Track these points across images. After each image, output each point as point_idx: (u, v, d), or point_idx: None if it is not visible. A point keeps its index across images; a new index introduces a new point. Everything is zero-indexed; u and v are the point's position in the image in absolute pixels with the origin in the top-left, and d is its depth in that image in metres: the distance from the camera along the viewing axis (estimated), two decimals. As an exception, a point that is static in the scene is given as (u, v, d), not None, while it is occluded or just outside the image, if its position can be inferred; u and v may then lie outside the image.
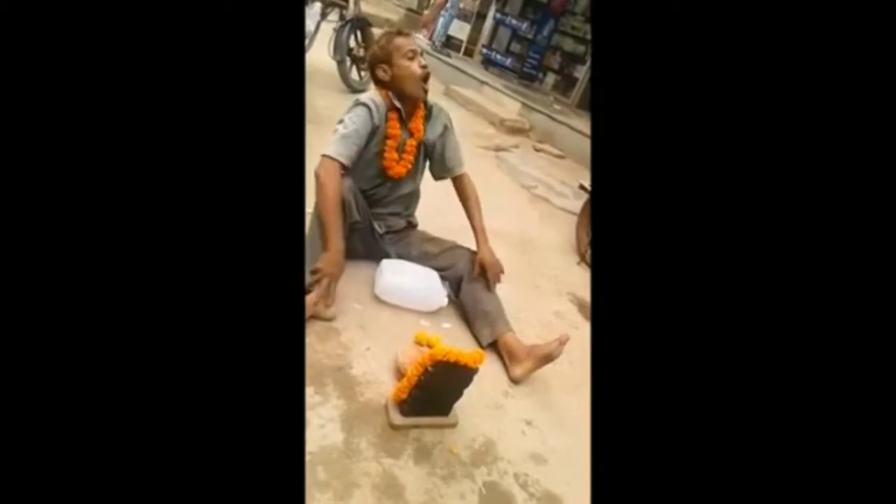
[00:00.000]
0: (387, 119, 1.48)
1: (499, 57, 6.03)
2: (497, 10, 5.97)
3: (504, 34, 6.21)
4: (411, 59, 1.46)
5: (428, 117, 1.58)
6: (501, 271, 1.57)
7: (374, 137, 1.46)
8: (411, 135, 1.53)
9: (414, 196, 1.68)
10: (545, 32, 5.83)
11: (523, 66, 5.96)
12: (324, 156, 1.37)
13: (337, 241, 1.32)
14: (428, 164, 1.66)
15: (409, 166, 1.56)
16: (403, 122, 1.51)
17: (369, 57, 1.52)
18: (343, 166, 1.38)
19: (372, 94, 1.47)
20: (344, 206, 1.39)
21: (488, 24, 6.08)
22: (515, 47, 6.27)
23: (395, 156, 1.52)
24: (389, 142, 1.50)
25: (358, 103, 1.44)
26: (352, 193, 1.43)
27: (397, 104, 1.48)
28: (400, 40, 1.47)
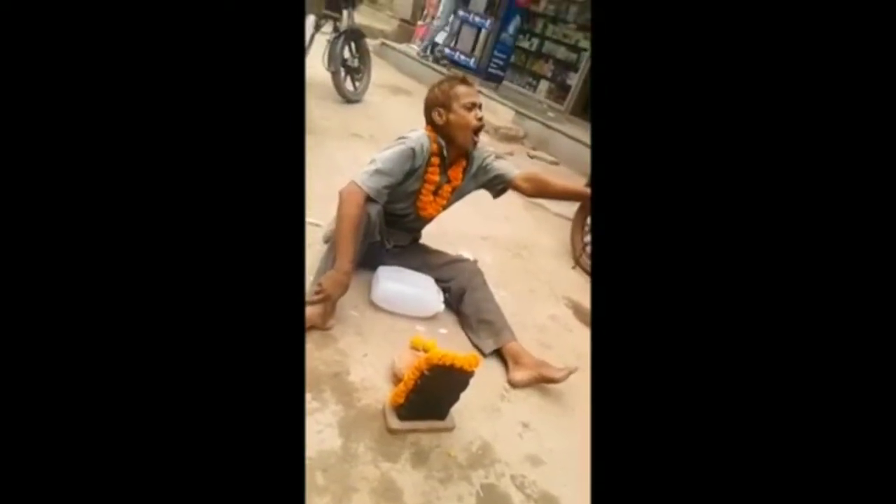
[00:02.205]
0: (428, 163, 1.48)
1: (462, 57, 5.62)
2: (459, 7, 5.53)
3: (468, 34, 5.70)
4: (469, 109, 1.45)
5: (468, 167, 1.58)
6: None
7: (410, 177, 1.47)
8: (448, 181, 1.55)
9: (428, 222, 1.71)
10: (511, 30, 5.46)
11: (488, 65, 5.53)
12: (353, 182, 1.38)
13: (345, 264, 1.33)
14: (481, 190, 1.65)
15: (440, 209, 1.59)
16: (444, 169, 1.52)
17: (427, 98, 1.50)
18: (369, 198, 1.38)
19: (421, 137, 1.45)
20: (368, 228, 1.42)
21: (439, 19, 5.54)
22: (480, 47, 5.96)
23: (431, 198, 1.55)
24: (427, 185, 1.51)
25: (405, 143, 1.42)
26: (379, 217, 1.45)
27: (444, 153, 1.49)
28: (462, 88, 1.46)
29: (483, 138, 1.52)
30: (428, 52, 5.61)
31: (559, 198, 1.62)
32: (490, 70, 5.57)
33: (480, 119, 1.47)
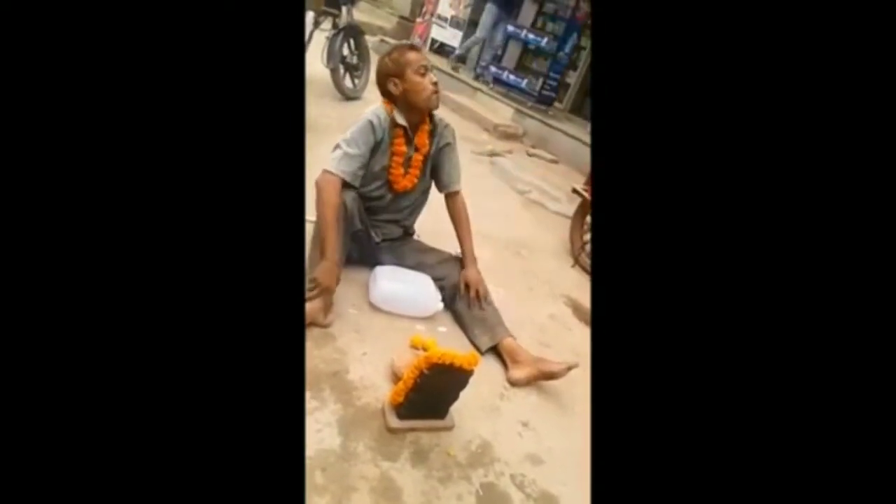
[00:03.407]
0: (392, 136, 1.49)
1: (512, 78, 5.03)
2: (509, 23, 5.03)
3: (514, 49, 5.18)
4: (423, 74, 1.46)
5: (433, 132, 1.58)
6: (486, 292, 1.56)
7: (376, 152, 1.48)
8: (417, 150, 1.55)
9: (416, 207, 1.69)
10: (567, 48, 4.95)
11: (542, 87, 4.88)
12: (325, 171, 1.39)
13: (333, 254, 1.33)
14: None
15: (415, 181, 1.58)
16: (409, 138, 1.52)
17: (379, 69, 1.50)
18: (345, 182, 1.40)
19: (377, 110, 1.48)
20: (347, 216, 1.42)
21: (495, 37, 5.08)
22: (527, 63, 5.48)
23: (401, 171, 1.55)
24: (395, 158, 1.52)
25: (362, 119, 1.45)
26: (356, 204, 1.46)
27: (401, 122, 1.49)
28: (412, 55, 1.47)
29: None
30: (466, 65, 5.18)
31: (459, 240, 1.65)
32: (543, 92, 4.91)
33: (436, 82, 1.48)
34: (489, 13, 4.95)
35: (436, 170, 1.63)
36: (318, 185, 1.38)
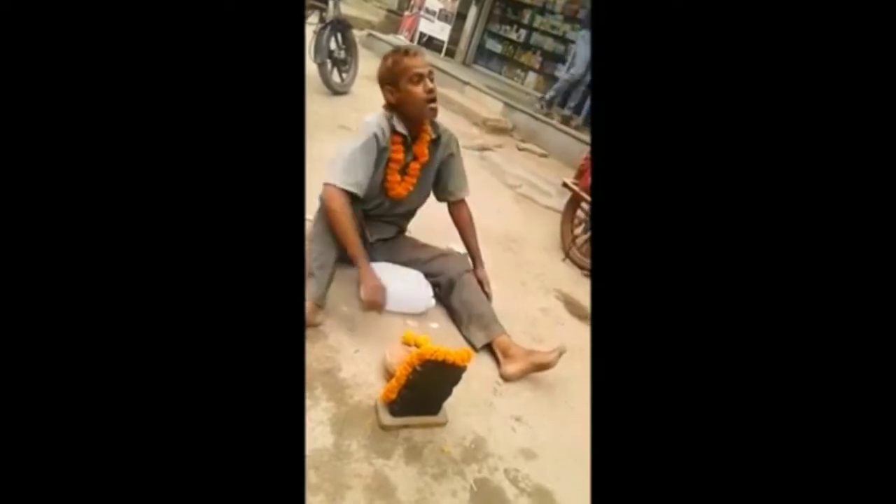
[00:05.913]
0: (391, 142, 1.47)
1: None
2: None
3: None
4: (417, 82, 1.41)
5: (436, 142, 1.56)
6: (490, 292, 1.64)
7: (381, 161, 1.45)
8: (415, 158, 1.53)
9: (413, 212, 1.69)
10: None
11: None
12: (330, 185, 1.35)
13: (365, 264, 1.36)
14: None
15: (411, 188, 1.56)
16: (408, 146, 1.50)
17: (378, 75, 1.48)
18: (351, 194, 1.37)
19: (380, 120, 1.44)
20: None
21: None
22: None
23: (398, 178, 1.52)
24: (392, 164, 1.49)
25: (367, 130, 1.41)
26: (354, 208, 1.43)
27: (400, 129, 1.46)
28: (406, 61, 1.41)
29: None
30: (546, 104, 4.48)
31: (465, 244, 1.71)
32: None
33: (431, 91, 1.43)
34: (585, 42, 3.96)
35: (439, 180, 1.63)
36: (328, 206, 1.35)
